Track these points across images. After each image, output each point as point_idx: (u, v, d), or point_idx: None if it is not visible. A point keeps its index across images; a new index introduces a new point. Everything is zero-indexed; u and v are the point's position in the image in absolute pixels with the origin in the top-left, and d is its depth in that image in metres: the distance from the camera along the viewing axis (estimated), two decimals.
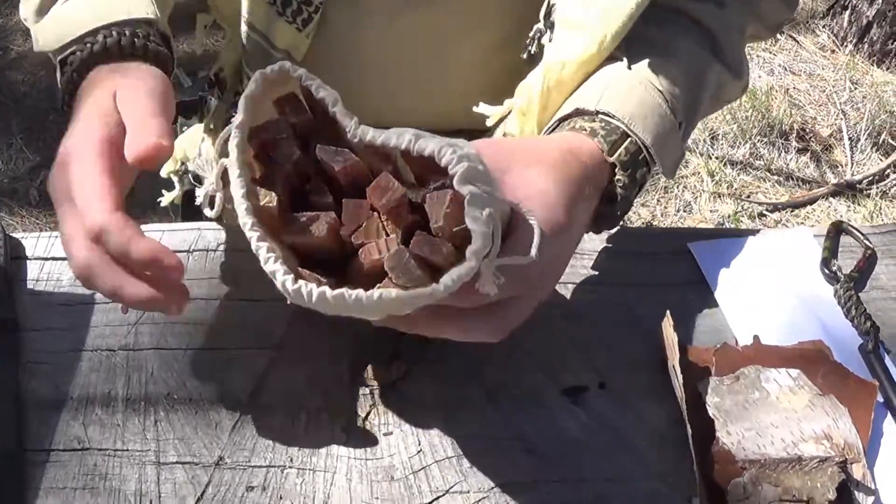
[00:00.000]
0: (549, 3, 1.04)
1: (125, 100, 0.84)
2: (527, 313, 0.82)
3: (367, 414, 0.91)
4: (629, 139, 0.92)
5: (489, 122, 1.08)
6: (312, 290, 0.67)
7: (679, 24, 1.04)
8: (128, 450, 0.88)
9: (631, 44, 0.99)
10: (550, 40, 1.03)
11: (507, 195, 0.75)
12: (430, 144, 0.67)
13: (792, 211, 3.27)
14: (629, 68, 0.98)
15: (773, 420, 0.88)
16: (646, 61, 0.98)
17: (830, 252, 1.08)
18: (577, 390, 0.93)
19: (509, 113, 1.06)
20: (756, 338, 0.96)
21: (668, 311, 0.94)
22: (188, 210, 1.45)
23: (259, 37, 1.13)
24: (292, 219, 0.74)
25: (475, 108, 1.06)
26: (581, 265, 1.06)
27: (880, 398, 0.93)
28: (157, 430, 0.89)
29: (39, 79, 3.82)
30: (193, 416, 0.90)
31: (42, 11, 1.02)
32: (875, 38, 4.03)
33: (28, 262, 1.04)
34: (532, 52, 1.08)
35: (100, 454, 0.88)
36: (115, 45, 0.91)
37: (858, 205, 3.28)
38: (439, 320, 0.78)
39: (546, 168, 0.82)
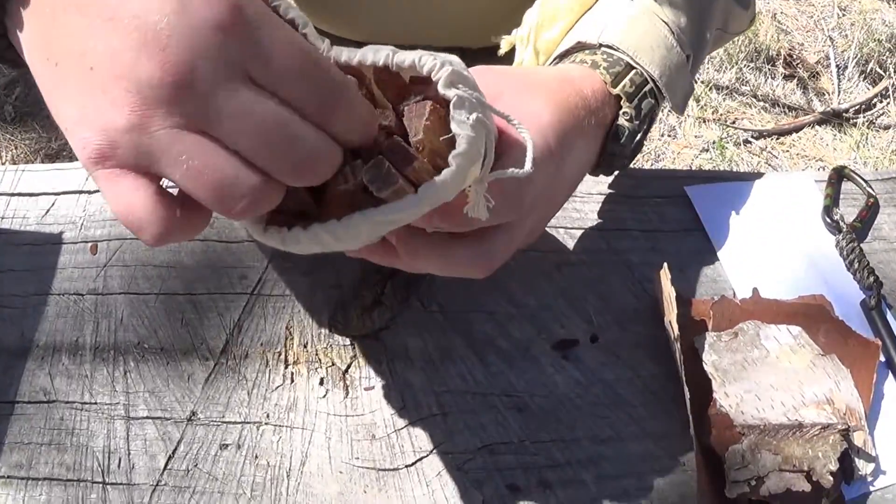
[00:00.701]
0: None
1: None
2: (515, 246, 0.75)
3: (348, 367, 0.87)
4: (633, 71, 0.88)
5: (500, 52, 1.04)
6: (284, 233, 0.62)
7: None
8: (96, 403, 0.84)
9: None
10: None
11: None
12: (409, 56, 0.61)
13: (777, 138, 3.23)
14: (632, 1, 0.94)
15: (772, 381, 0.84)
16: None
17: (832, 200, 1.04)
18: (567, 344, 0.89)
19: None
20: (755, 290, 0.92)
21: (664, 264, 0.90)
22: None
23: None
24: None
25: (494, 39, 1.03)
26: (573, 208, 1.01)
27: (881, 357, 0.89)
28: (126, 382, 0.85)
29: None
30: (165, 367, 0.86)
31: None
32: None
33: None
34: None
35: (66, 407, 0.84)
36: None
37: (845, 134, 3.25)
38: (420, 248, 0.71)
39: (539, 93, 0.78)
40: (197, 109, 0.48)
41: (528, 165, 0.63)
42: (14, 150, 2.99)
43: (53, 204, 0.98)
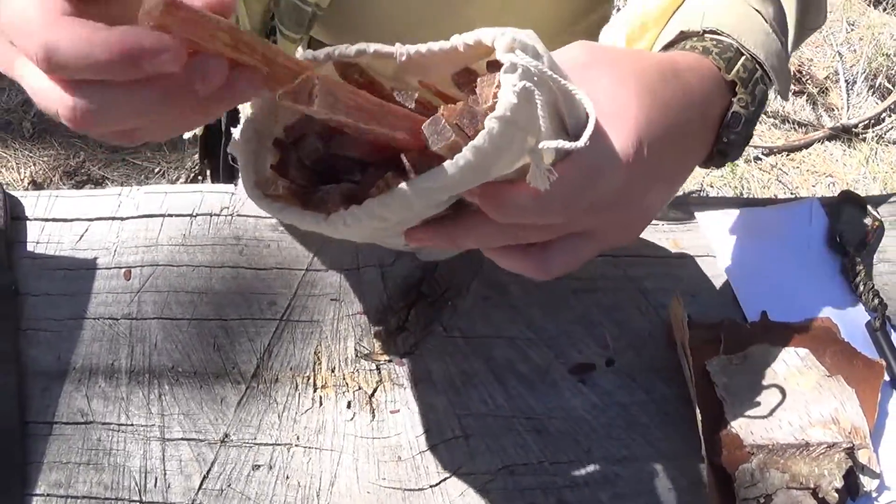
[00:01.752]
0: None
1: None
2: (582, 255, 0.76)
3: (374, 391, 0.90)
4: (744, 56, 0.85)
5: None
6: (344, 214, 0.64)
7: None
8: (132, 424, 0.88)
9: None
10: None
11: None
12: (471, 35, 0.63)
13: (787, 155, 3.26)
14: None
15: (781, 402, 0.88)
16: None
17: (838, 223, 1.07)
18: (584, 368, 0.93)
19: None
20: (764, 314, 0.96)
21: (676, 292, 0.93)
22: (208, 146, 1.47)
23: None
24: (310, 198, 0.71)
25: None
26: None
27: (886, 377, 0.92)
28: (161, 405, 0.89)
29: None
30: (198, 390, 0.90)
31: None
32: None
33: (28, 222, 1.03)
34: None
35: (103, 428, 0.88)
36: None
37: (854, 149, 3.27)
38: (503, 207, 0.69)
39: (633, 85, 0.75)
40: None
41: (583, 139, 0.62)
42: (32, 167, 3.03)
43: (87, 230, 1.02)
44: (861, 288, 0.99)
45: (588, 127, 0.62)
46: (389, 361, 0.92)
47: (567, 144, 0.62)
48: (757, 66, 0.85)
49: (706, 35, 0.87)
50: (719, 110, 0.83)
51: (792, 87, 3.51)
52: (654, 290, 0.99)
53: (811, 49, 3.71)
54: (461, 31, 1.12)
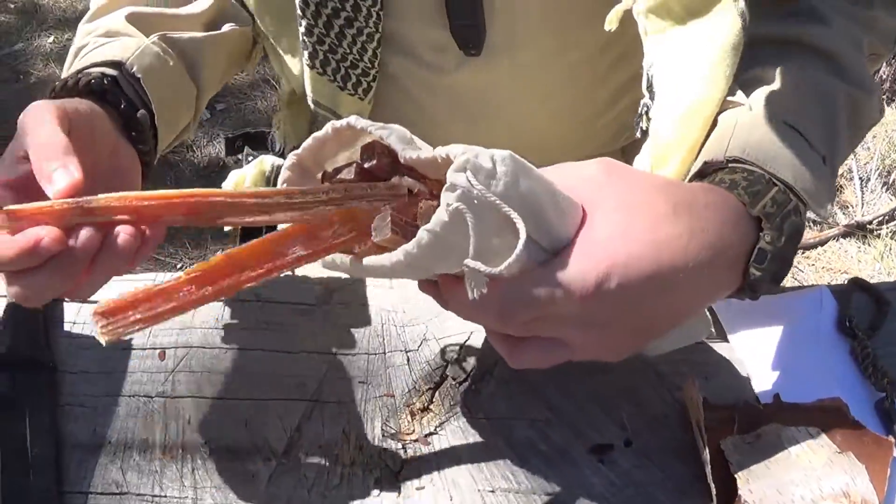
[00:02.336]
0: (648, 75, 0.99)
1: (29, 134, 0.81)
2: (547, 358, 0.80)
3: (400, 468, 0.93)
4: (776, 188, 0.84)
5: None
6: (336, 258, 0.75)
7: (792, 54, 0.97)
8: (166, 496, 0.91)
9: (747, 86, 0.94)
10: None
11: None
12: (447, 148, 0.70)
13: (803, 252, 3.28)
14: (751, 109, 0.91)
15: (793, 477, 0.90)
16: (769, 98, 0.92)
17: (848, 308, 1.10)
18: (603, 448, 0.96)
19: None
20: (776, 396, 0.99)
21: (691, 376, 0.97)
22: (247, 238, 1.51)
23: (326, 111, 1.18)
24: None
25: None
26: None
27: (895, 454, 0.95)
28: (194, 478, 0.92)
29: None
30: (230, 465, 0.93)
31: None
32: (885, 76, 4.05)
33: (65, 303, 1.07)
34: (644, 128, 1.02)
35: (138, 499, 0.91)
36: (63, 87, 0.97)
37: (869, 245, 3.30)
38: (452, 301, 0.79)
39: (635, 212, 0.76)
40: None
41: (500, 268, 0.69)
42: None
43: None
44: (870, 369, 1.02)
45: (512, 255, 0.69)
46: (415, 441, 0.95)
47: (486, 269, 0.68)
48: (790, 195, 0.85)
49: (729, 164, 0.87)
50: (745, 248, 0.82)
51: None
52: (669, 374, 1.02)
53: None
54: (499, 132, 1.15)
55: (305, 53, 1.12)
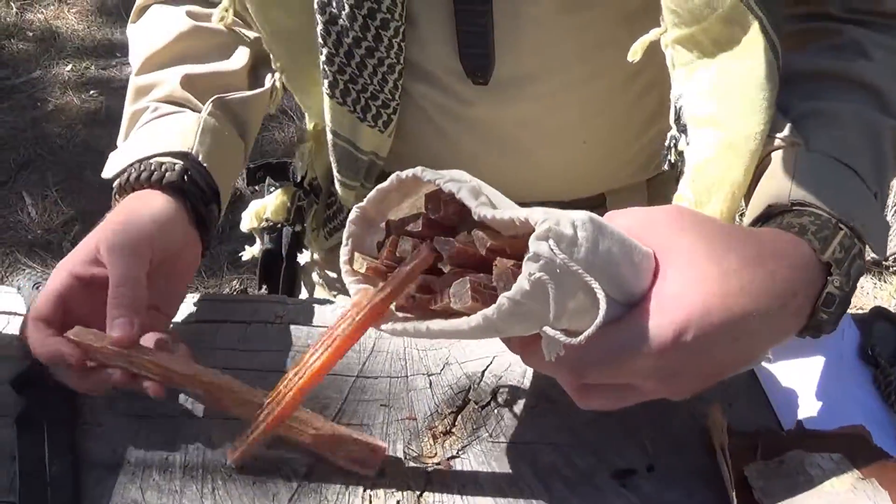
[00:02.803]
0: (676, 107, 0.99)
1: (108, 256, 0.97)
2: (617, 402, 0.83)
3: (422, 492, 0.93)
4: (842, 232, 0.85)
5: None
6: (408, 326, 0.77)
7: (841, 89, 0.98)
8: None
9: (799, 121, 0.95)
10: (688, 144, 0.98)
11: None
12: (527, 211, 0.71)
13: None
14: (808, 149, 0.92)
15: (816, 503, 0.90)
16: (825, 136, 0.93)
17: (870, 336, 1.10)
18: (626, 473, 0.95)
19: None
20: (799, 423, 0.98)
21: (715, 402, 0.97)
22: (268, 267, 1.57)
23: (345, 143, 1.18)
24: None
25: None
26: None
27: None
28: (214, 499, 0.92)
29: (76, 132, 3.88)
30: (251, 486, 0.93)
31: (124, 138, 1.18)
32: None
33: None
34: (672, 160, 1.03)
35: None
36: (137, 178, 1.07)
37: (885, 281, 3.29)
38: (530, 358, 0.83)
39: (708, 264, 0.77)
40: None
41: (582, 337, 0.70)
42: None
43: None
44: (892, 397, 1.02)
45: (592, 326, 0.70)
46: (437, 464, 0.95)
47: (565, 340, 0.70)
48: (854, 238, 0.86)
49: (802, 208, 0.88)
50: (813, 292, 0.84)
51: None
52: (693, 400, 1.01)
53: None
54: (524, 167, 1.15)
55: (325, 82, 1.12)
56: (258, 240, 1.48)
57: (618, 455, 0.97)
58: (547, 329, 0.70)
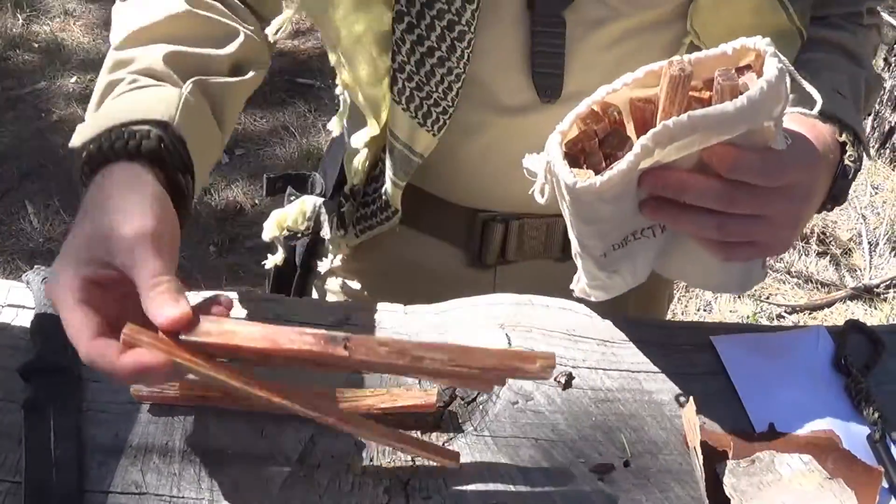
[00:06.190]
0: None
1: (125, 258, 0.89)
2: (747, 230, 0.98)
3: (409, 479, 0.97)
4: (849, 129, 1.11)
5: None
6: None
7: (822, 48, 1.25)
8: (183, 497, 0.94)
9: (802, 66, 1.12)
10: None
11: None
12: (737, 41, 0.93)
13: (810, 313, 3.32)
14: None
15: (785, 500, 0.94)
16: (826, 76, 1.16)
17: (843, 347, 1.15)
18: (603, 468, 1.00)
19: None
20: (771, 426, 1.03)
21: (691, 398, 1.01)
22: (280, 277, 1.59)
23: (402, 146, 1.22)
24: None
25: None
26: (611, 353, 1.14)
27: (885, 484, 0.99)
28: (211, 481, 0.95)
29: None
30: (246, 470, 0.97)
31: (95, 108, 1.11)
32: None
33: None
34: None
35: (157, 499, 0.94)
36: (111, 147, 0.98)
37: (875, 308, 3.34)
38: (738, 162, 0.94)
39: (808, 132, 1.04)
40: None
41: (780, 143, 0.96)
42: None
43: None
44: (862, 404, 1.06)
45: (777, 136, 0.95)
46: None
47: (798, 110, 1.08)
48: (854, 136, 1.12)
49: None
50: (835, 160, 1.09)
51: (815, 247, 3.60)
52: (669, 403, 1.06)
53: (836, 212, 3.80)
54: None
55: (394, 89, 1.17)
56: (280, 249, 1.52)
57: (596, 452, 1.01)
58: (788, 108, 0.99)
